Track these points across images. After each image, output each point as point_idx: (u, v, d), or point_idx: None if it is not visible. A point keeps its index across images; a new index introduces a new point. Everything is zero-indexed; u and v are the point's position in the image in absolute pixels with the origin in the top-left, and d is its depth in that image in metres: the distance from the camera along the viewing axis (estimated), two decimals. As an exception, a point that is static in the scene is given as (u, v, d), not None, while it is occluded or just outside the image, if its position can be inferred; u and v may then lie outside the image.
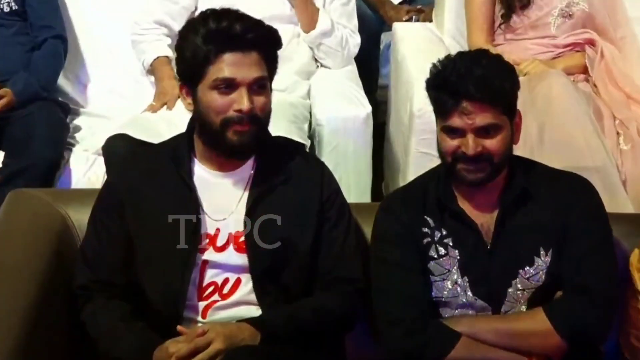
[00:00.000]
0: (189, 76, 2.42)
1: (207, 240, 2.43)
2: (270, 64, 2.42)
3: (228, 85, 2.35)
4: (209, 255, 2.43)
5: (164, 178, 2.46)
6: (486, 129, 2.33)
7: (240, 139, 2.37)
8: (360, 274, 2.48)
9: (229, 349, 2.27)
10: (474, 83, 2.30)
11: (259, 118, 2.38)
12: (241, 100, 2.34)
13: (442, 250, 2.43)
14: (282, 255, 2.43)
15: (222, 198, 2.46)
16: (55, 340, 2.42)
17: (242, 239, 2.43)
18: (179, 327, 2.33)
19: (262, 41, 2.38)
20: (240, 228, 2.43)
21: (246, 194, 2.45)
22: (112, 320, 2.40)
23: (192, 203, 2.43)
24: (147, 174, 2.48)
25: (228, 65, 2.34)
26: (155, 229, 2.43)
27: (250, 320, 2.35)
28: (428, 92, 2.41)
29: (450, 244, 2.43)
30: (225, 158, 2.44)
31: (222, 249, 2.44)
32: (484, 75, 2.31)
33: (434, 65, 2.40)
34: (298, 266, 2.45)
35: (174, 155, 2.47)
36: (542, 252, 2.41)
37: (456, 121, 2.33)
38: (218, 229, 2.44)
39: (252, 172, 2.47)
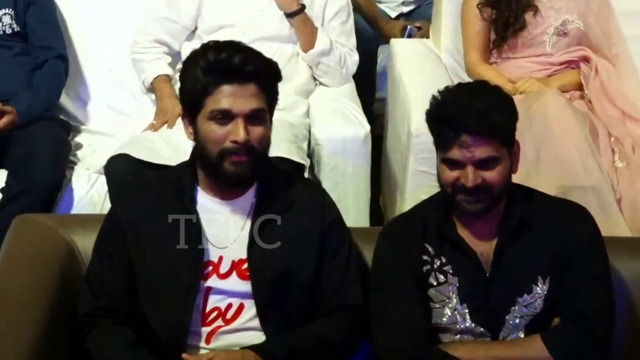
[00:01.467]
0: (189, 107, 2.42)
1: (211, 268, 2.43)
2: (270, 96, 2.41)
3: (225, 116, 2.34)
4: (213, 282, 2.43)
5: (167, 206, 2.46)
6: (485, 161, 2.34)
7: (237, 170, 2.37)
8: (361, 300, 2.48)
9: None
10: (473, 117, 2.30)
11: (256, 149, 2.37)
12: (237, 132, 2.33)
13: (441, 278, 2.44)
14: (284, 283, 2.43)
15: (225, 226, 2.46)
16: None
17: (245, 266, 2.43)
18: (184, 355, 2.32)
19: (261, 73, 2.37)
20: (243, 256, 2.43)
21: (249, 222, 2.45)
22: (117, 348, 2.39)
23: (195, 232, 2.43)
24: (150, 202, 2.48)
25: (225, 97, 2.34)
26: (158, 257, 2.43)
27: (254, 347, 2.35)
28: (428, 124, 2.42)
29: (450, 271, 2.43)
30: (224, 187, 2.44)
31: (225, 276, 2.44)
32: (483, 109, 2.32)
33: (434, 97, 2.40)
34: (300, 294, 2.45)
35: (178, 184, 2.47)
36: (540, 281, 2.42)
37: (456, 154, 2.34)
38: (221, 257, 2.44)
39: (254, 200, 2.47)
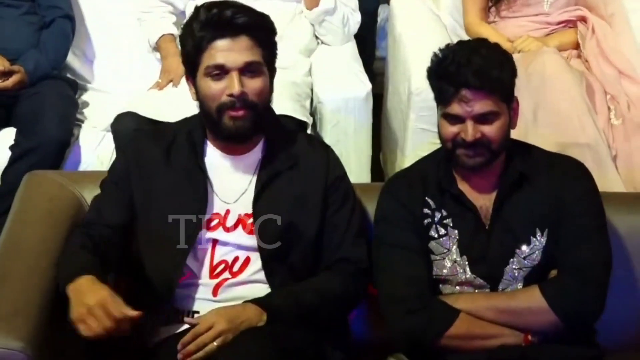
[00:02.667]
0: (189, 66, 2.44)
1: (217, 221, 2.45)
2: (266, 49, 2.40)
3: (220, 71, 2.36)
4: (219, 234, 2.45)
5: (178, 157, 2.48)
6: (485, 116, 2.35)
7: (236, 124, 2.38)
8: (363, 254, 2.50)
9: (232, 328, 2.27)
10: (473, 73, 2.32)
11: (253, 102, 2.37)
12: (232, 85, 2.34)
13: (442, 231, 2.46)
14: (289, 237, 2.44)
15: (233, 181, 2.47)
16: None
17: (250, 220, 2.44)
18: (186, 320, 2.34)
19: (252, 25, 2.37)
20: (249, 210, 2.44)
21: (255, 177, 2.46)
22: (75, 247, 2.38)
23: (201, 181, 2.44)
24: (162, 150, 2.49)
25: (219, 52, 2.35)
26: (163, 203, 2.45)
27: (256, 301, 2.36)
28: (429, 80, 2.43)
29: (450, 224, 2.45)
30: (228, 144, 2.46)
31: (231, 229, 2.45)
32: (483, 65, 2.33)
33: (435, 54, 2.41)
34: (304, 247, 2.47)
35: (189, 136, 2.49)
36: (538, 233, 2.43)
37: (456, 108, 2.36)
38: (228, 211, 2.46)
39: (260, 156, 2.48)
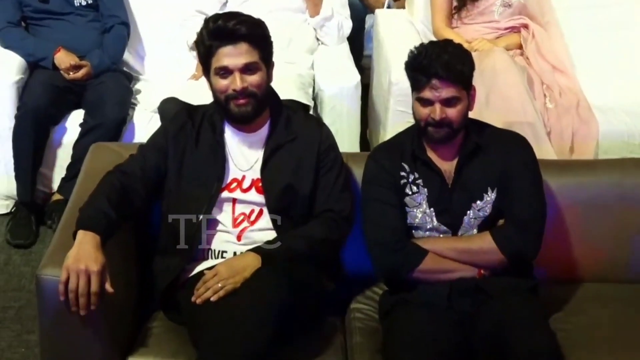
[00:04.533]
0: (203, 67, 2.42)
1: (235, 184, 2.43)
2: (261, 49, 2.36)
3: (225, 72, 2.34)
4: (237, 194, 2.43)
5: (203, 134, 2.45)
6: (449, 100, 2.33)
7: (240, 110, 2.36)
8: (346, 206, 2.46)
9: (233, 273, 2.25)
10: (441, 65, 2.29)
11: (253, 92, 2.35)
12: (235, 82, 2.33)
13: (414, 189, 2.43)
14: (289, 195, 2.42)
15: (246, 153, 2.45)
16: (130, 283, 2.42)
17: (260, 183, 2.43)
18: (205, 271, 2.33)
19: (249, 33, 2.34)
20: (259, 176, 2.43)
21: (262, 150, 2.44)
22: (101, 196, 2.29)
23: (220, 154, 2.43)
24: (192, 128, 2.46)
25: (224, 57, 2.33)
26: (192, 168, 2.42)
27: (254, 249, 2.34)
28: (406, 71, 2.39)
29: (421, 184, 2.43)
30: (237, 125, 2.43)
31: (246, 190, 2.43)
32: (450, 60, 2.31)
33: (411, 51, 2.38)
34: (302, 203, 2.44)
35: (212, 119, 2.46)
36: (489, 191, 2.42)
37: (427, 94, 2.33)
38: (244, 176, 2.44)
39: (267, 132, 2.46)
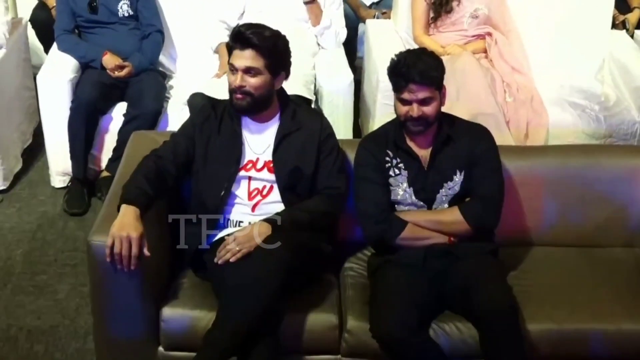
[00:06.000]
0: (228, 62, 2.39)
1: (251, 165, 2.41)
2: (269, 58, 2.30)
3: (233, 69, 2.32)
4: (252, 173, 2.41)
5: (224, 124, 2.43)
6: (425, 100, 2.31)
7: (238, 103, 2.34)
8: (342, 184, 2.44)
9: (248, 238, 2.23)
10: (417, 73, 2.27)
11: (250, 92, 2.31)
12: (236, 80, 2.31)
13: (397, 171, 2.42)
14: (295, 175, 2.41)
15: (260, 139, 2.43)
16: (164, 247, 2.41)
17: (272, 165, 2.41)
18: (226, 238, 2.30)
19: (257, 43, 2.29)
20: (271, 158, 2.41)
21: (274, 137, 2.42)
22: (140, 175, 2.28)
23: (238, 140, 2.40)
24: (214, 119, 2.43)
25: (234, 56, 2.32)
26: (215, 152, 2.40)
27: (264, 220, 2.33)
28: (388, 76, 2.37)
29: (402, 167, 2.42)
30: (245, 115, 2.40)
31: (260, 170, 2.42)
32: (424, 67, 2.29)
33: (392, 59, 2.35)
34: (306, 182, 2.42)
35: (231, 110, 2.43)
36: (457, 173, 2.40)
37: (406, 95, 2.31)
38: (258, 158, 2.42)
39: (277, 123, 2.43)
